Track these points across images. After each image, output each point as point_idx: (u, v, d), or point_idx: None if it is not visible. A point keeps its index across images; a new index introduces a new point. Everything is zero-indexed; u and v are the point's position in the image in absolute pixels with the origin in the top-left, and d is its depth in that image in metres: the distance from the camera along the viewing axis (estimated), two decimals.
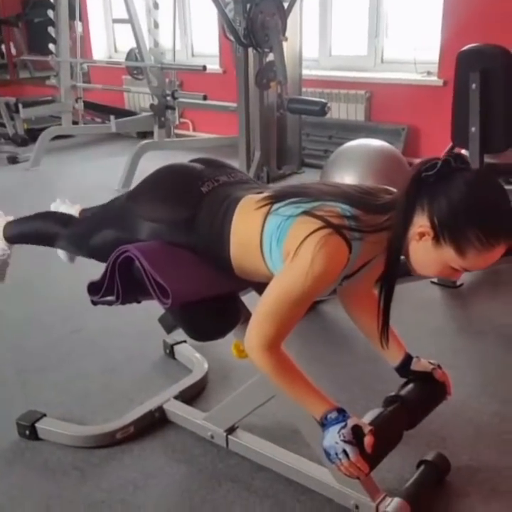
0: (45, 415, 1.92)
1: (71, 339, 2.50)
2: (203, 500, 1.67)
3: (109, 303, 1.58)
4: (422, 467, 1.66)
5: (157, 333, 2.44)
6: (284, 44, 4.25)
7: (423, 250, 1.29)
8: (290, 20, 4.37)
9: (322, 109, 4.22)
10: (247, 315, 1.60)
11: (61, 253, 2.13)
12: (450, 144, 3.27)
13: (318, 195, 1.38)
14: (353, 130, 5.26)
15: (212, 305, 1.49)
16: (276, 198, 1.42)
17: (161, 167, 1.66)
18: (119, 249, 1.48)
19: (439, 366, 1.59)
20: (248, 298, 1.69)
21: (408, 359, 1.58)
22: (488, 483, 1.70)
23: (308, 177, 5.01)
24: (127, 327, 2.56)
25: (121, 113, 6.11)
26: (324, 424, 1.35)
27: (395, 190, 1.38)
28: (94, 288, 1.56)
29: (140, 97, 6.56)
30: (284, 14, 4.30)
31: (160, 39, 5.03)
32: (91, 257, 1.77)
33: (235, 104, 5.48)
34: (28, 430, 1.88)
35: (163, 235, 1.53)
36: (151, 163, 4.86)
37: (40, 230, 1.97)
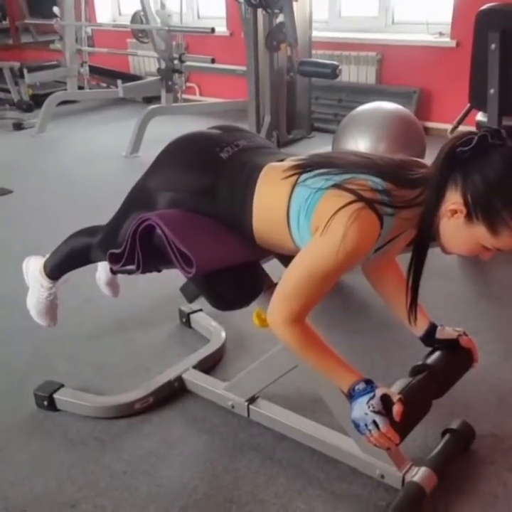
0: (62, 386, 1.90)
1: (84, 309, 2.47)
2: (225, 469, 1.66)
3: (130, 272, 1.54)
4: (447, 436, 1.64)
5: (172, 302, 2.44)
6: (294, 4, 4.13)
7: (454, 228, 1.25)
8: None
9: (333, 72, 4.13)
10: (269, 283, 1.57)
11: (103, 286, 2.07)
12: (467, 106, 3.20)
13: (348, 166, 1.32)
14: (363, 93, 5.15)
15: (235, 273, 1.45)
16: (303, 168, 1.36)
17: (176, 138, 1.60)
18: (140, 217, 1.43)
19: (464, 333, 1.56)
20: (269, 266, 1.66)
21: (433, 328, 1.55)
22: None
23: (318, 141, 4.93)
24: (141, 296, 2.53)
25: (127, 77, 6.00)
26: (352, 395, 1.33)
27: (426, 163, 1.33)
28: (114, 257, 1.52)
29: (145, 61, 6.43)
30: None
31: (166, 1, 4.89)
32: None
33: (243, 68, 5.37)
34: (46, 401, 1.87)
35: (184, 204, 1.47)
36: (159, 128, 4.86)
37: (74, 248, 1.84)
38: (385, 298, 1.60)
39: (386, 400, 1.29)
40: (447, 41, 4.74)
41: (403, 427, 1.30)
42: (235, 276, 1.45)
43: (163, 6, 4.81)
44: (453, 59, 4.74)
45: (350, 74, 5.21)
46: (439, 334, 1.54)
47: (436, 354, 1.50)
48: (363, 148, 3.43)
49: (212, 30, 4.52)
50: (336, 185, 1.28)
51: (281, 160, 1.48)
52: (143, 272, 1.52)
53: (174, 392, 1.94)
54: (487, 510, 1.51)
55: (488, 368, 1.99)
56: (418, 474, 1.51)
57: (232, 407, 1.83)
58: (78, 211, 3.42)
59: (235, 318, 2.28)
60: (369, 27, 5.19)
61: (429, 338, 1.55)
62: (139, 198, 1.61)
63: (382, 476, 1.56)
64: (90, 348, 2.22)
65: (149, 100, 5.85)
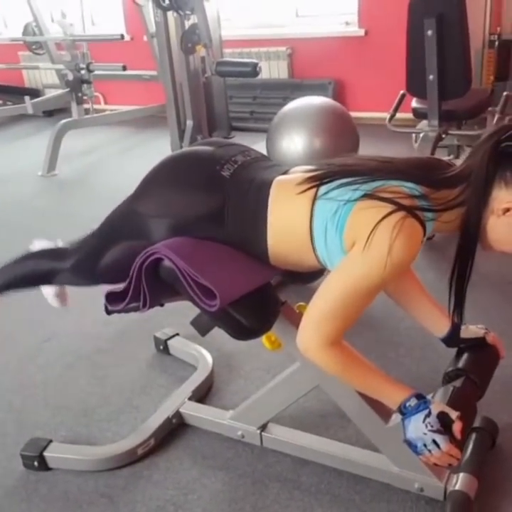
0: (51, 441, 1.71)
1: (46, 349, 2.25)
2: (254, 507, 1.54)
3: (131, 310, 1.39)
4: (473, 435, 1.60)
5: (140, 328, 2.30)
6: (206, 5, 4.01)
7: (505, 225, 1.20)
8: None
9: (254, 70, 4.03)
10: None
11: (51, 298, 1.90)
12: (400, 93, 3.23)
13: (373, 173, 1.23)
14: (277, 88, 5.14)
15: (254, 298, 1.33)
16: (320, 180, 1.26)
17: (167, 158, 1.45)
18: (147, 251, 1.28)
19: (487, 329, 1.53)
20: None
21: (456, 327, 1.50)
22: None
23: (239, 141, 4.83)
24: (104, 326, 2.34)
25: (25, 92, 5.63)
26: (404, 413, 1.25)
27: (450, 161, 1.28)
28: (114, 297, 1.37)
29: (41, 74, 6.08)
30: None
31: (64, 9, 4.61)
32: (101, 282, 1.55)
33: (151, 73, 5.20)
34: (36, 461, 1.66)
35: (188, 231, 1.34)
36: (71, 142, 4.59)
37: (35, 271, 1.72)
38: (405, 304, 1.54)
39: (443, 418, 1.22)
40: (356, 30, 4.79)
41: (462, 442, 1.24)
42: (254, 301, 1.33)
43: (63, 15, 4.52)
44: (363, 47, 4.81)
45: (262, 70, 5.14)
46: (465, 334, 1.50)
47: (467, 356, 1.46)
48: (300, 145, 3.38)
49: (122, 36, 4.32)
50: (368, 195, 1.19)
51: (286, 172, 1.37)
52: (149, 308, 1.37)
53: (174, 430, 1.79)
54: None
55: None
56: (459, 482, 1.46)
57: (242, 436, 1.72)
58: None
59: (215, 339, 2.15)
60: (275, 22, 5.15)
61: (454, 338, 1.50)
62: (124, 226, 1.46)
63: (422, 489, 1.49)
64: (65, 392, 2.02)
65: (50, 114, 5.54)
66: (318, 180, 1.27)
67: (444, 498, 1.47)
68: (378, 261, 1.14)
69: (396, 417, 1.46)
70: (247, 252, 1.35)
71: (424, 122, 3.65)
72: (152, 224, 1.36)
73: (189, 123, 4.32)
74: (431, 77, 2.76)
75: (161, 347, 2.17)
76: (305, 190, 1.26)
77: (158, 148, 4.53)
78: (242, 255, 1.34)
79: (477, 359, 1.45)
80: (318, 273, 1.56)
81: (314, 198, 1.25)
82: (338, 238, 1.22)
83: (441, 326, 1.51)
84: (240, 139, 4.90)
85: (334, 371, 1.27)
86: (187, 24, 4.07)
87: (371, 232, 1.15)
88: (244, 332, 1.34)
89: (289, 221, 1.28)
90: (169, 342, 2.16)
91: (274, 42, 5.09)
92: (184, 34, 4.05)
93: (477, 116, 3.10)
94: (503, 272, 2.57)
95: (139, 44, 5.43)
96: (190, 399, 1.85)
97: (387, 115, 3.33)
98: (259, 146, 4.36)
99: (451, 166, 1.27)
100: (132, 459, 1.69)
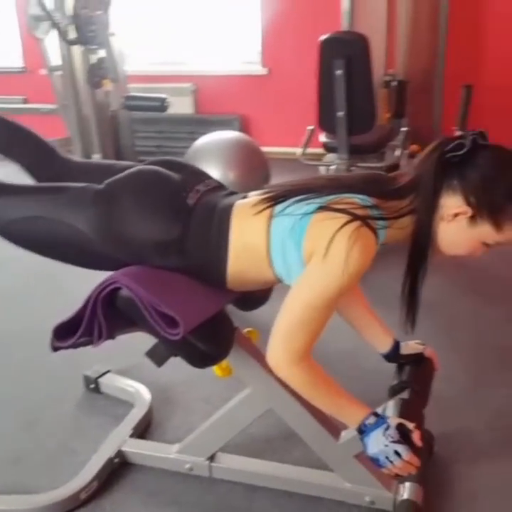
0: None
1: None
2: None
3: (81, 345, 1.35)
4: None
5: (62, 368, 2.19)
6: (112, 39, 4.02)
7: (456, 230, 1.27)
8: None
9: (162, 105, 4.07)
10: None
11: None
12: (308, 129, 3.37)
13: (324, 189, 1.28)
14: (182, 123, 5.19)
15: (212, 324, 1.33)
16: (275, 199, 1.31)
17: (142, 168, 1.44)
18: (104, 280, 1.26)
19: (424, 343, 1.61)
20: None
21: (397, 344, 1.58)
22: (469, 447, 1.79)
23: None
24: (16, 370, 2.24)
25: None
26: (363, 431, 1.28)
27: (398, 173, 1.35)
28: (63, 331, 1.32)
29: None
30: (107, 8, 4.05)
31: None
32: (3, 235, 1.43)
33: (49, 106, 5.10)
34: None
35: (145, 257, 1.33)
36: None
37: None
38: (350, 319, 1.60)
39: (402, 429, 1.27)
40: (259, 69, 4.96)
41: (421, 450, 1.30)
42: (212, 328, 1.34)
43: None
44: (267, 85, 4.98)
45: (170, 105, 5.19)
46: (405, 349, 1.57)
47: (409, 369, 1.53)
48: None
49: (24, 69, 4.20)
50: (323, 208, 1.24)
51: (244, 197, 1.41)
52: (102, 342, 1.33)
53: (116, 469, 1.73)
54: (474, 509, 1.58)
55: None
56: (406, 491, 1.52)
57: (191, 469, 1.69)
58: None
59: (146, 372, 2.12)
60: (179, 59, 5.23)
61: (394, 354, 1.58)
62: (76, 211, 1.36)
63: (373, 502, 1.55)
64: None
65: None
66: (273, 199, 1.31)
67: (394, 508, 1.51)
68: (336, 269, 1.18)
69: (346, 434, 1.52)
70: (203, 278, 1.36)
71: (331, 155, 3.85)
72: (98, 225, 1.34)
73: (97, 157, 4.26)
74: (340, 113, 2.92)
75: (92, 386, 2.10)
76: (262, 210, 1.30)
77: None
78: (197, 282, 1.35)
79: (418, 372, 1.53)
80: (263, 299, 1.60)
81: (270, 217, 1.29)
82: (296, 251, 1.25)
83: (383, 343, 1.58)
84: None
85: (304, 387, 1.28)
86: (93, 58, 4.06)
87: (329, 241, 1.19)
88: (204, 359, 1.34)
89: (248, 239, 1.31)
90: (100, 380, 2.09)
91: (178, 78, 5.15)
92: (91, 68, 4.03)
93: (380, 150, 3.31)
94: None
95: (37, 77, 5.31)
96: (131, 436, 1.80)
97: (292, 149, 3.46)
98: None
99: (393, 178, 1.34)
100: (75, 504, 1.61)
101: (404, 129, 3.23)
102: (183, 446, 1.70)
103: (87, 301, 1.28)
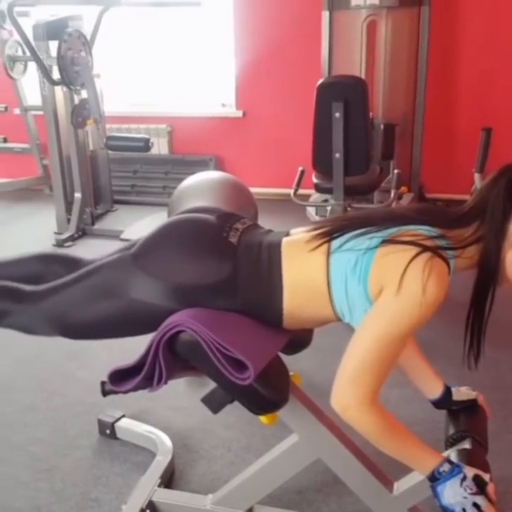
0: None
1: None
2: None
3: (139, 389, 1.30)
4: None
5: (70, 412, 2.13)
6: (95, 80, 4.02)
7: None
8: None
9: (146, 145, 4.09)
10: None
11: None
12: (299, 170, 3.41)
13: (383, 222, 1.27)
14: (158, 163, 5.18)
15: (272, 369, 1.30)
16: (330, 234, 1.29)
17: (170, 221, 1.42)
18: (168, 324, 1.23)
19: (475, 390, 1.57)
20: None
21: (448, 390, 1.54)
22: None
23: (122, 214, 4.76)
24: (29, 413, 2.15)
25: None
26: (436, 479, 1.23)
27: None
28: (120, 376, 1.28)
29: None
30: (90, 50, 4.07)
31: None
32: (64, 335, 1.42)
33: (23, 145, 5.04)
34: None
35: (191, 301, 1.31)
36: None
37: None
38: (401, 360, 1.52)
39: (478, 480, 1.23)
40: (234, 111, 5.03)
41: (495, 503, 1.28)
42: (274, 373, 1.31)
43: None
44: (241, 127, 5.05)
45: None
46: (457, 396, 1.53)
47: (464, 418, 1.49)
48: None
49: (6, 108, 4.14)
50: (388, 241, 1.23)
51: (287, 234, 1.40)
52: (161, 386, 1.30)
53: None
54: None
55: None
56: None
57: None
58: None
59: (156, 416, 2.07)
60: (154, 100, 5.25)
61: (446, 400, 1.53)
62: (121, 286, 1.35)
63: None
64: (7, 491, 1.80)
65: None
66: (328, 235, 1.30)
67: None
68: (413, 303, 1.16)
69: (399, 486, 1.49)
70: (259, 317, 1.34)
71: (317, 196, 3.91)
72: (151, 287, 1.32)
73: (77, 196, 4.22)
74: (337, 155, 2.97)
75: (108, 431, 2.03)
76: (318, 246, 1.29)
77: (39, 223, 4.35)
78: (256, 322, 1.33)
79: (473, 419, 1.49)
80: (306, 342, 1.58)
81: (328, 252, 1.28)
82: (361, 287, 1.23)
83: (434, 387, 1.53)
84: (123, 211, 4.84)
85: (374, 432, 1.22)
86: (76, 98, 4.04)
87: (402, 274, 1.17)
88: (266, 406, 1.31)
89: (305, 277, 1.29)
90: (116, 424, 2.02)
91: (154, 119, 5.16)
92: (75, 108, 4.01)
93: (374, 191, 3.38)
94: None
95: (11, 116, 5.23)
96: (159, 486, 1.74)
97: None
98: (149, 220, 4.38)
99: (444, 209, 1.34)
100: None
101: (396, 171, 3.30)
102: (219, 497, 1.64)
103: (150, 346, 1.25)
